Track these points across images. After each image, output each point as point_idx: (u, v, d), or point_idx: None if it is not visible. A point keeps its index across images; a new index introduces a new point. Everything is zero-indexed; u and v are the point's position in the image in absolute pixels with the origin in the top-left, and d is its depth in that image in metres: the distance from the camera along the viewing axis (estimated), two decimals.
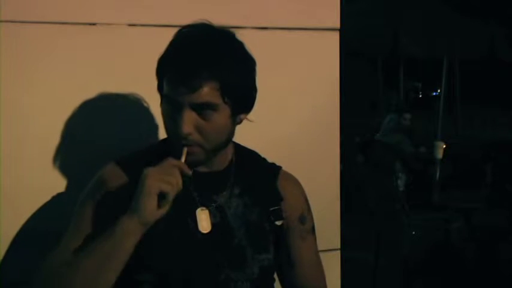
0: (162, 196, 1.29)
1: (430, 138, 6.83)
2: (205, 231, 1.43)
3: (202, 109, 1.35)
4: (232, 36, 1.42)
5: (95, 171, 1.49)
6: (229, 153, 1.51)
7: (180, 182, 1.31)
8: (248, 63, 1.43)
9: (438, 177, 6.19)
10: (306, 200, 1.60)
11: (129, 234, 1.30)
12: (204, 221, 1.44)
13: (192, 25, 1.42)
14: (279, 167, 1.59)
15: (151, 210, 1.29)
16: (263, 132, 1.78)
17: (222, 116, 1.38)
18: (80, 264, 1.31)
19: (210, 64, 1.34)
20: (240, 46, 1.42)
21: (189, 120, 1.35)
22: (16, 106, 1.65)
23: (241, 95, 1.41)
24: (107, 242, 1.31)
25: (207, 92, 1.34)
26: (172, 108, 1.37)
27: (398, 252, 4.91)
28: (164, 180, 1.29)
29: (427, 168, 6.60)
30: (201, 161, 1.42)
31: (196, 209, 1.44)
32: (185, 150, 1.37)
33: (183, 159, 1.36)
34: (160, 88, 1.42)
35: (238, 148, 1.56)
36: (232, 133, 1.45)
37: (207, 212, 1.44)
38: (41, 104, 1.67)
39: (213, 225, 1.44)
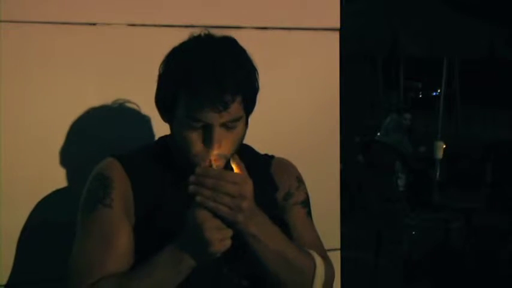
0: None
1: (430, 138, 6.84)
2: None
3: (230, 124, 1.37)
4: (235, 43, 1.42)
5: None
6: None
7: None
8: (253, 67, 1.43)
9: (438, 177, 6.19)
10: (296, 179, 1.59)
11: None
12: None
13: (193, 39, 1.41)
14: (272, 157, 1.61)
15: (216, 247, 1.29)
16: (263, 132, 1.78)
17: (242, 124, 1.41)
18: None
19: (232, 81, 1.34)
20: (243, 51, 1.42)
21: (219, 138, 1.36)
22: (16, 106, 1.65)
23: (254, 100, 1.43)
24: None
25: (236, 109, 1.36)
26: (199, 127, 1.36)
27: (398, 252, 4.91)
28: (221, 233, 1.28)
29: (427, 168, 6.60)
30: (221, 168, 1.41)
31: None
32: (213, 162, 1.35)
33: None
34: (171, 109, 1.40)
35: None
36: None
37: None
38: (40, 103, 1.67)
39: None
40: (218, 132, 1.36)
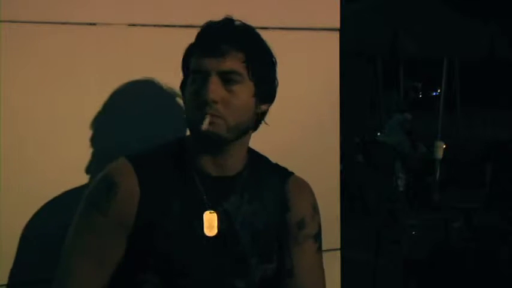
0: None
1: (430, 138, 6.83)
2: (211, 235, 1.42)
3: (227, 78, 1.38)
4: (255, 29, 1.50)
5: (94, 171, 1.48)
6: (242, 158, 1.49)
7: None
8: (270, 52, 1.48)
9: (438, 177, 6.19)
10: (313, 206, 1.56)
11: None
12: (211, 223, 1.42)
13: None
14: (290, 173, 1.57)
15: None
16: (263, 132, 1.78)
17: (246, 91, 1.41)
18: None
19: (236, 36, 1.41)
20: (260, 36, 1.49)
21: (215, 87, 1.37)
22: (16, 106, 1.65)
23: (264, 77, 1.44)
24: None
25: (233, 60, 1.39)
26: (199, 80, 1.39)
27: (398, 252, 4.91)
28: None
29: (427, 168, 6.60)
30: (222, 135, 1.40)
31: (204, 211, 1.43)
32: (207, 118, 1.37)
33: (204, 126, 1.36)
34: (185, 73, 1.46)
35: (252, 153, 1.54)
36: (253, 120, 1.46)
37: (215, 215, 1.43)
38: (41, 104, 1.67)
39: (220, 230, 1.43)
40: (214, 80, 1.37)
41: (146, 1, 1.76)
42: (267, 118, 1.53)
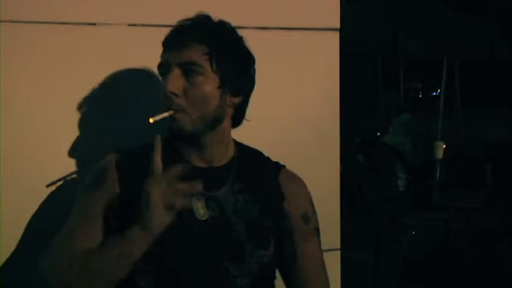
0: (168, 206, 1.29)
1: (430, 138, 6.83)
2: (202, 218, 1.43)
3: (188, 69, 1.39)
4: (229, 25, 1.48)
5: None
6: (230, 149, 1.52)
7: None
8: (241, 45, 1.47)
9: (438, 177, 6.19)
10: (310, 201, 1.60)
11: (137, 242, 1.31)
12: (200, 208, 1.44)
13: None
14: (282, 166, 1.60)
15: (158, 221, 1.29)
16: (263, 132, 1.78)
17: (209, 83, 1.41)
18: (91, 265, 1.34)
19: (200, 29, 1.41)
20: (234, 31, 1.47)
21: (175, 79, 1.39)
22: (16, 106, 1.65)
23: (231, 70, 1.43)
24: (117, 249, 1.32)
25: (193, 52, 1.39)
26: (163, 74, 1.42)
27: (398, 252, 4.91)
28: (170, 192, 1.28)
29: (427, 168, 6.60)
30: (186, 130, 1.42)
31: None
32: (169, 113, 1.39)
33: (162, 115, 1.39)
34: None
35: (241, 146, 1.57)
36: (223, 111, 1.45)
37: (202, 200, 1.45)
38: (40, 104, 1.68)
39: (212, 218, 1.44)
40: (174, 72, 1.39)
41: (146, 1, 1.77)
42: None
